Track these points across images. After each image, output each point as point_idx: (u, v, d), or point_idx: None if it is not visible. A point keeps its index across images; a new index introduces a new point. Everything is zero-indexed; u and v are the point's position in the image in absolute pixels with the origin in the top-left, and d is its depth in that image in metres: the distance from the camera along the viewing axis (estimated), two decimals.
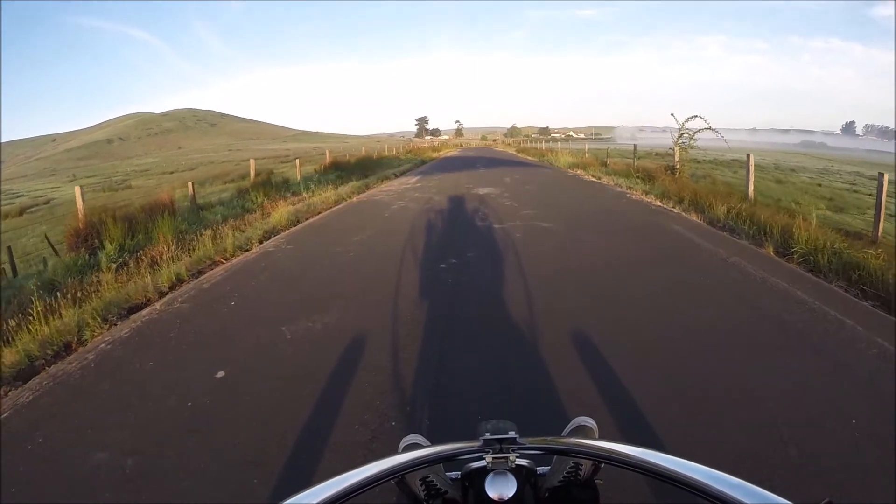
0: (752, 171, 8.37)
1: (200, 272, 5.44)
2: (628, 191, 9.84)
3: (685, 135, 11.11)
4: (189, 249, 6.20)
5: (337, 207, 9.35)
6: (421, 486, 0.68)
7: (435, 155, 32.83)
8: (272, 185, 11.55)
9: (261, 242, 6.72)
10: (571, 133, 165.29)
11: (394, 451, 0.64)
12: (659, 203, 8.18)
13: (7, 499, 1.95)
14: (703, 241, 5.56)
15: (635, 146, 13.63)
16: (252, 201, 10.39)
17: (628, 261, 4.90)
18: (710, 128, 10.86)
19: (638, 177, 10.83)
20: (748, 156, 8.45)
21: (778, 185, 18.24)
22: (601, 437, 0.75)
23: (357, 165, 16.75)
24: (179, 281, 5.00)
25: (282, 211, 8.84)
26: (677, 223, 6.55)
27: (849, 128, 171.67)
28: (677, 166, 10.84)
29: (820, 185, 23.11)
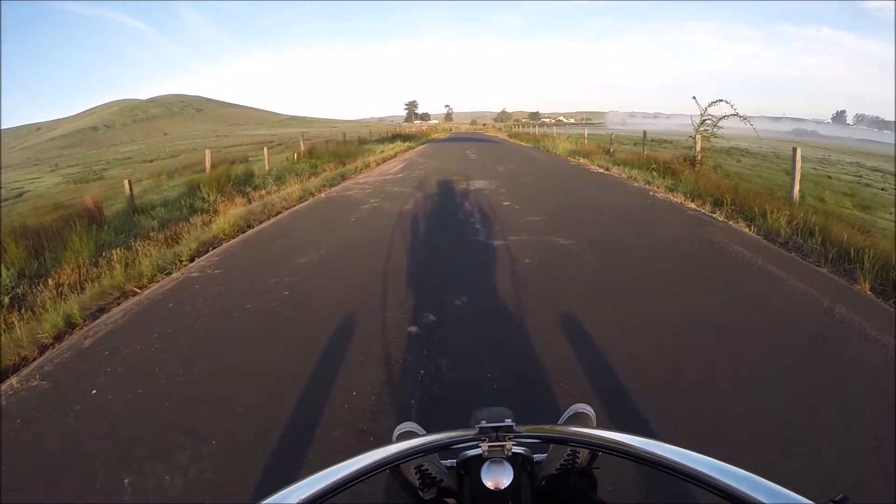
0: (799, 167, 6.74)
1: (103, 309, 3.83)
2: (648, 186, 8.18)
3: (707, 122, 9.47)
4: (102, 273, 4.61)
5: (298, 207, 7.62)
6: (416, 474, 0.70)
7: (422, 140, 30.80)
8: (231, 180, 9.76)
9: (192, 260, 5.06)
10: (562, 118, 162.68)
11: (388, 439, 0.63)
12: (693, 205, 6.53)
13: None
14: (782, 272, 3.93)
15: (645, 133, 11.95)
16: (204, 199, 8.64)
17: (707, 321, 3.05)
18: (737, 114, 9.22)
19: (654, 168, 9.19)
20: (794, 150, 6.79)
21: (788, 176, 16.79)
22: (599, 425, 0.80)
23: (335, 153, 14.92)
24: (70, 327, 3.43)
25: (232, 214, 7.13)
26: (732, 239, 4.89)
27: (839, 117, 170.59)
28: (698, 157, 9.23)
29: (829, 177, 21.67)
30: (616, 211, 6.45)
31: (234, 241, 5.82)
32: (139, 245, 5.46)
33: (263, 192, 9.36)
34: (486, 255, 4.56)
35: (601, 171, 10.63)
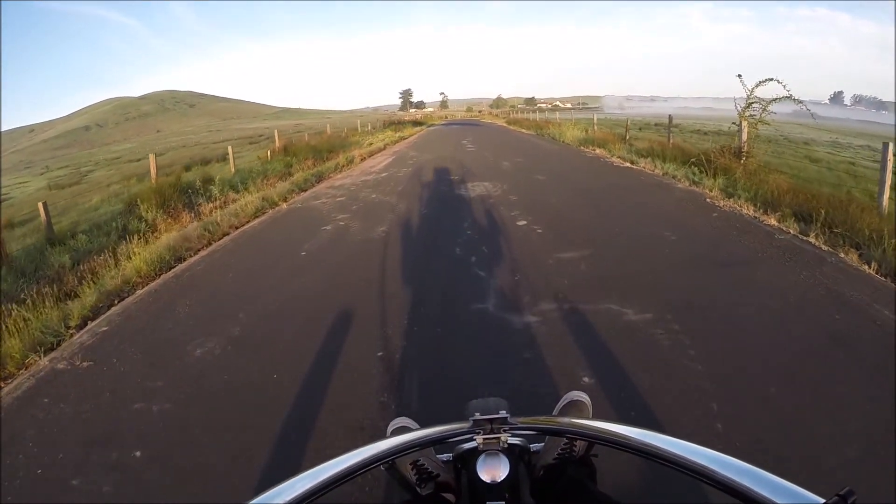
0: (891, 168, 4.94)
1: None
2: (697, 189, 6.31)
3: (754, 105, 7.63)
4: None
5: (248, 227, 5.87)
6: (412, 470, 0.69)
7: (416, 130, 28.77)
8: (180, 190, 7.98)
9: (84, 325, 3.44)
10: (558, 103, 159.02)
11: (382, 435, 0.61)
12: (773, 222, 4.68)
13: None
14: None
15: (670, 118, 10.04)
16: (143, 218, 6.90)
17: None
18: (790, 96, 7.40)
19: (693, 163, 7.39)
20: (885, 145, 4.97)
21: (817, 165, 14.92)
22: (595, 414, 0.79)
23: (315, 148, 13.09)
24: None
25: (160, 244, 5.44)
26: (870, 294, 3.10)
27: (837, 98, 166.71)
28: (745, 148, 7.43)
29: (853, 163, 19.78)
30: (680, 233, 4.45)
31: (145, 289, 4.12)
32: (14, 307, 3.73)
33: (220, 202, 7.61)
34: (503, 340, 2.72)
35: (627, 165, 8.72)
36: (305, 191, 8.22)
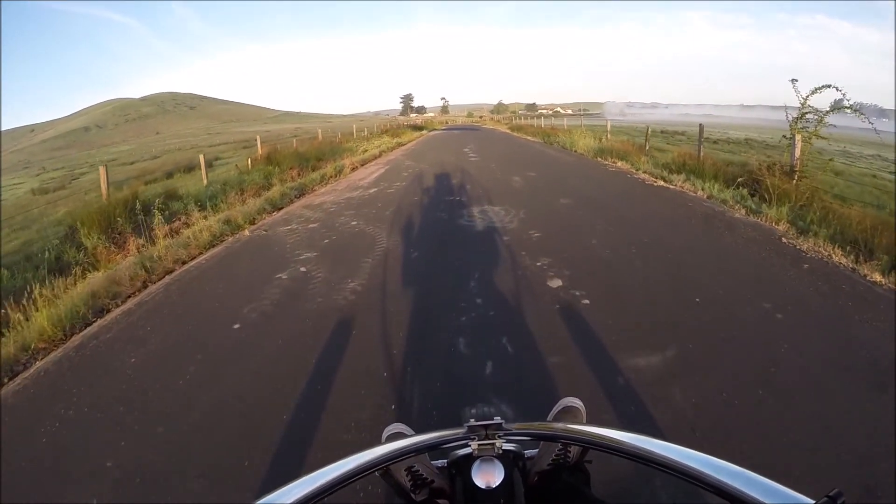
0: None
1: None
2: (758, 221, 5.05)
3: (808, 115, 6.44)
4: None
5: (194, 264, 4.59)
6: (407, 476, 0.68)
7: (416, 135, 27.57)
8: (134, 210, 6.75)
9: None
10: (559, 109, 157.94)
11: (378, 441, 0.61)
12: (879, 279, 3.43)
13: None
14: None
15: (702, 127, 8.78)
16: (85, 244, 5.69)
17: None
18: (849, 107, 6.22)
19: (740, 184, 6.18)
20: None
21: (841, 179, 13.68)
22: (589, 420, 0.76)
23: (303, 156, 11.89)
24: None
25: (85, 285, 4.29)
26: None
27: (837, 104, 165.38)
28: (797, 166, 6.22)
29: (874, 175, 18.58)
30: (781, 303, 3.07)
31: (34, 368, 2.92)
32: None
33: (176, 225, 6.40)
34: None
35: (661, 184, 7.34)
36: (280, 209, 7.00)
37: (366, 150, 15.47)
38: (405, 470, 0.66)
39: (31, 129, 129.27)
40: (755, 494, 0.41)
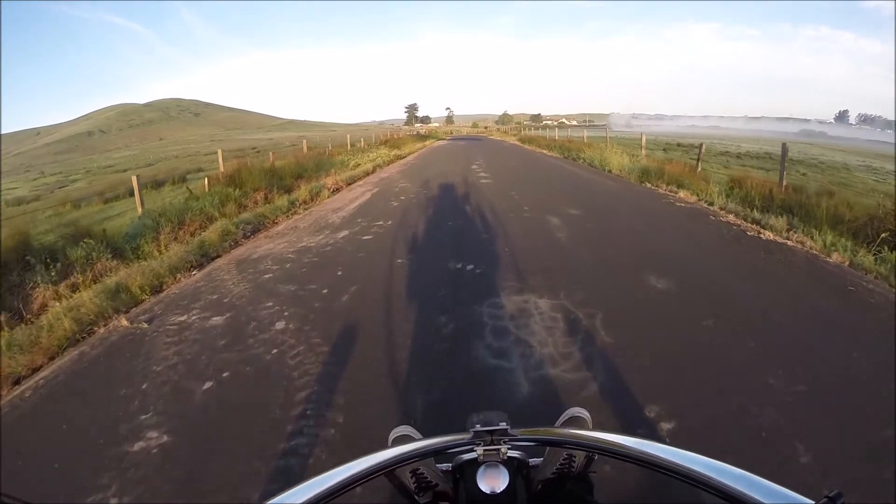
0: None
1: None
2: None
3: None
4: None
5: (12, 398, 2.44)
6: (412, 478, 0.67)
7: (417, 147, 25.40)
8: (22, 264, 4.55)
9: None
10: (564, 120, 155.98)
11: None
12: None
13: None
14: None
15: (785, 147, 6.57)
16: None
17: None
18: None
19: (885, 239, 4.00)
20: None
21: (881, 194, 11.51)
22: (595, 428, 0.72)
23: (277, 173, 9.74)
24: None
25: None
26: None
27: (842, 117, 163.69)
28: None
29: None
30: None
31: None
32: None
33: (63, 285, 4.21)
34: None
35: (769, 237, 4.90)
36: (214, 259, 4.82)
37: (358, 165, 13.31)
38: (410, 472, 0.65)
39: (37, 132, 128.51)
40: (758, 496, 0.42)
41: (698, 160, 8.74)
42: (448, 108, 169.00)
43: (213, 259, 4.85)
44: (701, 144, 9.10)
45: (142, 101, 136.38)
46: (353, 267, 4.32)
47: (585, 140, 17.12)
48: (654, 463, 0.49)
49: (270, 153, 10.60)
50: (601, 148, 12.90)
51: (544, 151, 18.82)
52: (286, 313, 3.30)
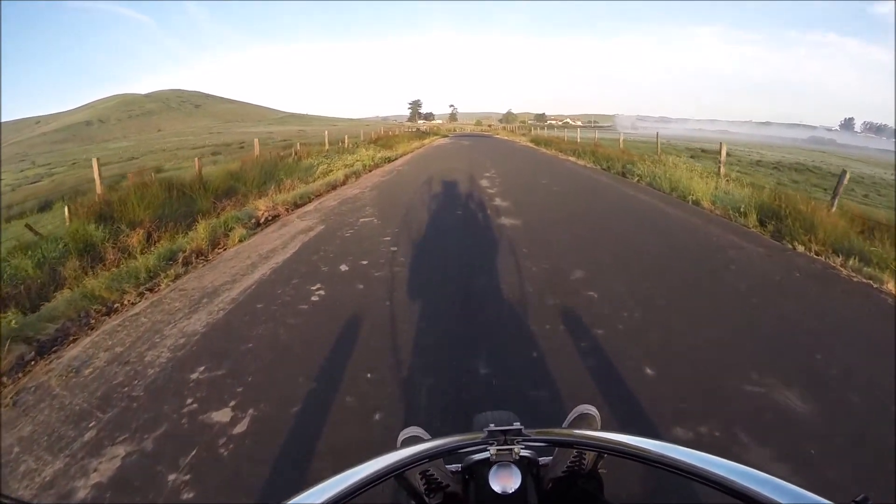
0: None
1: None
2: None
3: None
4: None
5: None
6: (421, 480, 0.65)
7: (414, 146, 22.34)
8: None
9: None
10: (568, 120, 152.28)
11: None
12: None
13: None
14: None
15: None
16: None
17: None
18: None
19: None
20: None
21: None
22: (603, 427, 0.75)
23: (189, 192, 6.75)
24: None
25: None
26: None
27: (847, 124, 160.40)
28: None
29: None
30: None
31: None
32: None
33: None
34: None
35: None
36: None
37: (328, 172, 10.28)
38: (420, 474, 0.64)
39: (37, 120, 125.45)
40: (781, 500, 0.41)
41: (835, 196, 5.26)
42: (452, 106, 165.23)
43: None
44: (846, 174, 5.26)
45: (143, 91, 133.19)
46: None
47: (622, 147, 13.82)
48: (670, 464, 0.48)
49: (196, 159, 7.52)
50: (656, 161, 9.55)
51: (571, 159, 15.09)
52: None
